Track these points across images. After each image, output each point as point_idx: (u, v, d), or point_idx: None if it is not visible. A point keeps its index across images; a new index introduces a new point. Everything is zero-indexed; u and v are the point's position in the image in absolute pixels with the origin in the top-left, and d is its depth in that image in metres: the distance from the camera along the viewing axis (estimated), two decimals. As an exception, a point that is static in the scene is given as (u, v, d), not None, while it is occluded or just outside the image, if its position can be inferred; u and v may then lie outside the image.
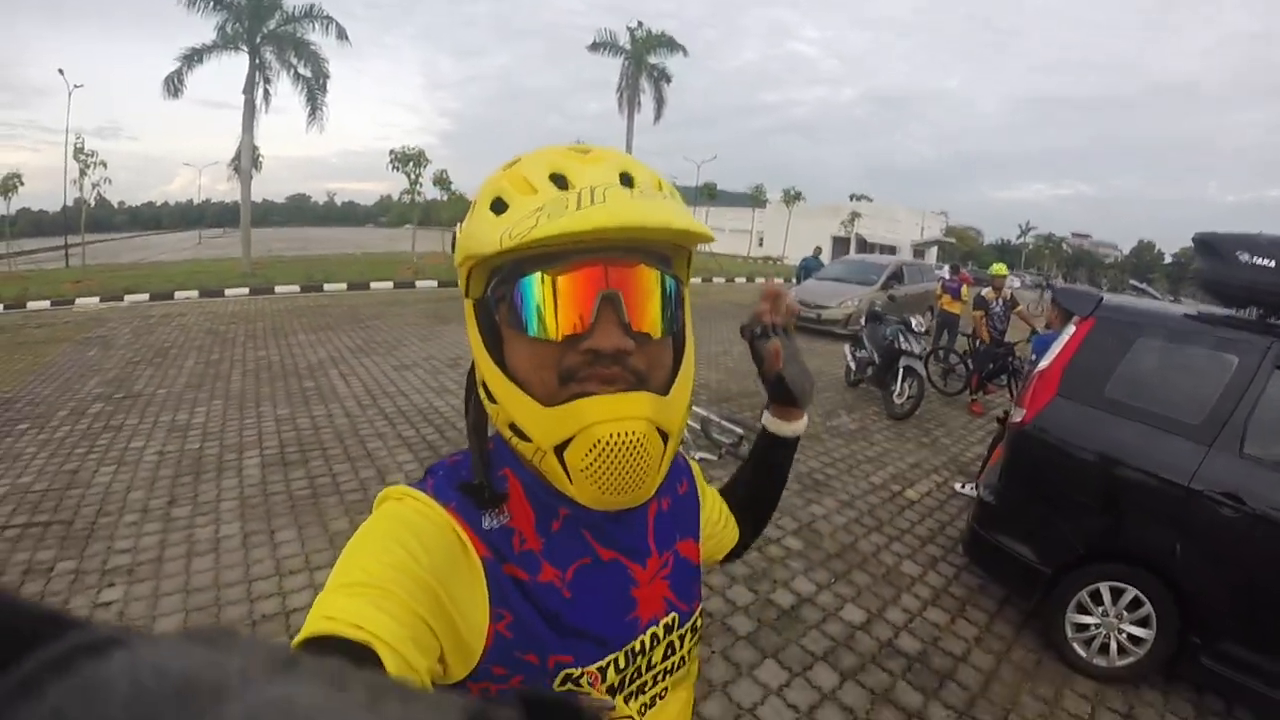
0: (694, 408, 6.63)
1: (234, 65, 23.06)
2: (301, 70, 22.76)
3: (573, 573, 0.76)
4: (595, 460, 0.66)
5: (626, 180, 0.69)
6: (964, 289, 10.51)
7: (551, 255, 0.66)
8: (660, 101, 33.78)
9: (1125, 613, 3.41)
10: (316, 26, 22.24)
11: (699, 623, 0.91)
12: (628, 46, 32.53)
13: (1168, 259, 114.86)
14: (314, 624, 0.58)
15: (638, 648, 0.81)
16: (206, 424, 6.61)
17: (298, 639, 0.58)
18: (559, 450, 0.68)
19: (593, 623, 0.77)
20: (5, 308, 14.41)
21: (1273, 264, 3.24)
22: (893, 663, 3.48)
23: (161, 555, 4.11)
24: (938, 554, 4.73)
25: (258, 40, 21.70)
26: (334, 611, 0.59)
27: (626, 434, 0.66)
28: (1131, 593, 3.38)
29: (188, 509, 4.73)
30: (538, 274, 0.67)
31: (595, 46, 32.62)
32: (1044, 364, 3.83)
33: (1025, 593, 3.82)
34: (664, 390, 0.72)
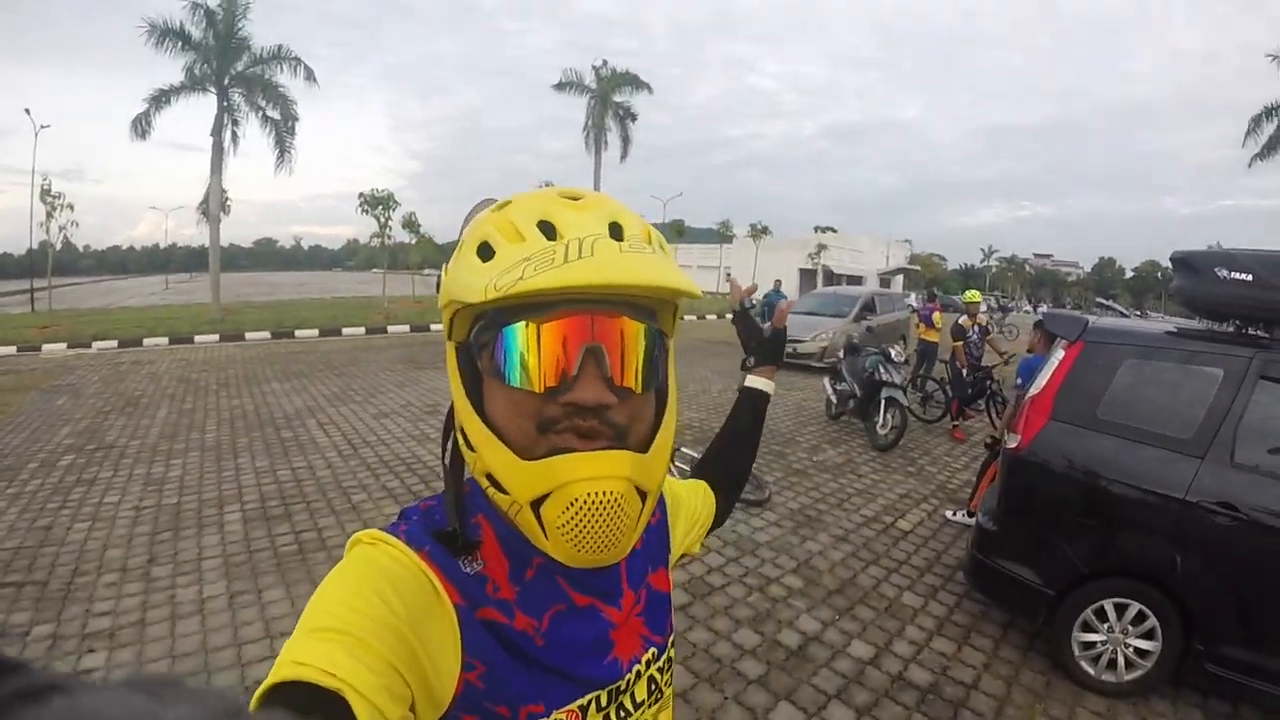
0: (681, 449, 6.64)
1: (201, 107, 23.06)
2: (270, 112, 22.80)
3: (548, 621, 0.75)
4: (572, 518, 0.65)
5: (616, 231, 0.68)
6: (936, 316, 10.68)
7: (536, 304, 0.66)
8: (626, 139, 34.37)
9: (1130, 627, 3.46)
10: (284, 68, 22.36)
11: (673, 652, 0.91)
12: (593, 85, 33.14)
13: (1129, 274, 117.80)
14: (283, 669, 0.57)
15: (622, 686, 0.80)
16: (183, 477, 6.44)
17: (266, 683, 0.57)
18: (535, 505, 0.67)
19: (570, 665, 0.75)
20: (-31, 355, 14.00)
21: (1250, 278, 3.38)
22: (906, 695, 3.47)
23: (144, 618, 3.96)
24: (937, 583, 4.74)
25: (225, 82, 21.75)
26: (305, 657, 0.58)
27: (604, 494, 0.65)
28: (1136, 607, 3.43)
29: (168, 568, 4.58)
30: (522, 323, 0.67)
31: (561, 86, 33.18)
32: (1035, 389, 3.90)
33: (1030, 615, 3.85)
34: (644, 446, 0.71)
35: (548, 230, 0.67)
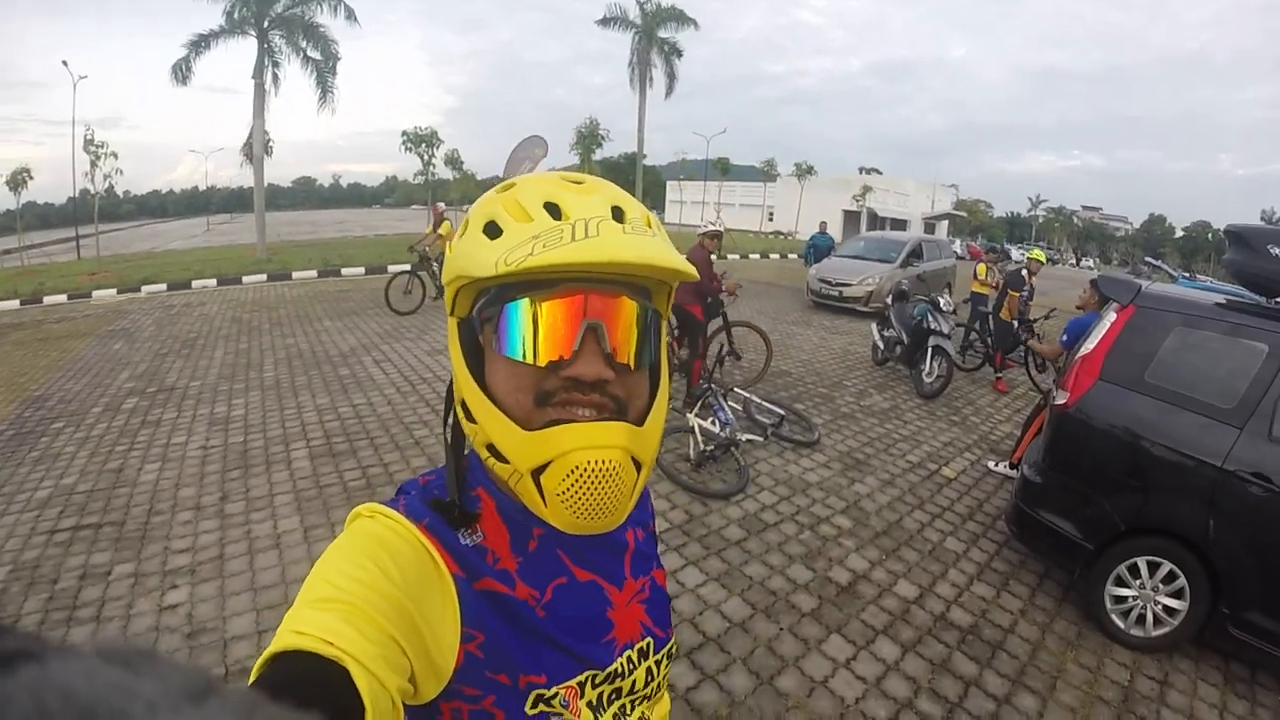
0: (735, 389, 6.91)
1: (241, 50, 22.88)
2: (311, 53, 22.57)
3: (551, 592, 0.77)
4: (571, 486, 0.68)
5: (618, 214, 0.71)
6: (980, 267, 10.64)
7: (539, 282, 0.69)
8: (671, 76, 33.49)
9: (1161, 585, 3.70)
10: (325, 8, 22.10)
11: (674, 649, 0.93)
12: (638, 21, 32.24)
13: (1179, 233, 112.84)
14: (283, 639, 0.58)
15: (617, 669, 0.82)
16: (247, 416, 6.65)
17: (266, 654, 0.57)
18: (535, 474, 0.69)
19: (569, 639, 0.77)
20: (22, 303, 14.50)
21: None
22: (948, 635, 3.77)
23: (222, 554, 4.12)
24: (978, 530, 5.01)
25: (265, 24, 21.59)
26: (304, 626, 0.59)
27: (602, 462, 0.68)
28: (1167, 566, 3.67)
29: (241, 504, 4.75)
30: (525, 299, 0.69)
31: (605, 21, 32.32)
32: (1086, 349, 4.09)
33: (1067, 567, 4.11)
34: (640, 420, 0.74)
35: (554, 211, 0.69)
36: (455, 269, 0.73)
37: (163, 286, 16.03)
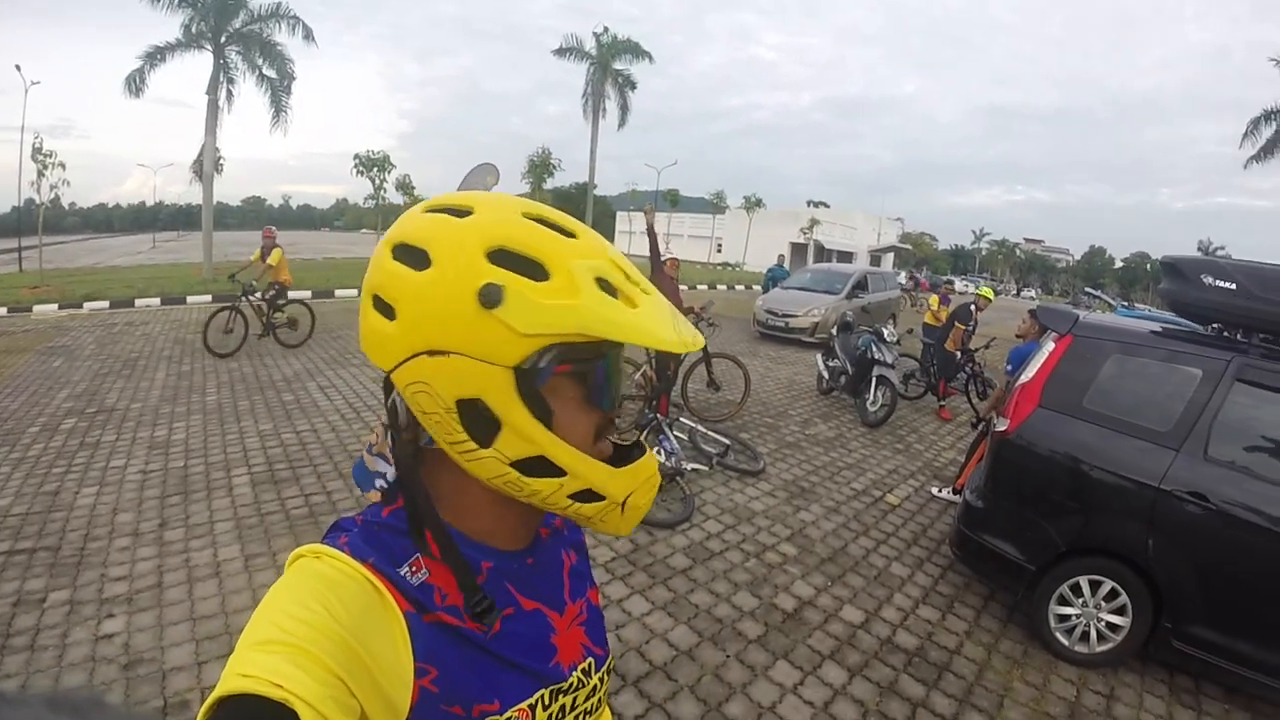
0: (681, 419, 6.90)
1: (195, 64, 22.57)
2: (266, 71, 22.29)
3: (498, 624, 0.77)
4: (646, 499, 0.79)
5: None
6: (934, 300, 10.85)
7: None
8: (625, 107, 33.98)
9: (1104, 603, 3.76)
10: (283, 26, 21.85)
11: (612, 665, 0.96)
12: (593, 52, 32.69)
13: (1118, 264, 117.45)
14: (229, 682, 0.57)
15: (564, 687, 0.83)
16: (188, 440, 6.44)
17: (211, 698, 0.56)
18: (625, 500, 0.76)
19: (519, 658, 0.78)
20: (-41, 315, 13.84)
21: (1234, 287, 3.65)
22: (894, 658, 3.76)
23: (160, 582, 3.97)
24: (923, 555, 5.04)
25: (223, 39, 21.27)
26: (250, 669, 0.58)
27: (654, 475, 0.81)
28: (1109, 584, 3.73)
29: (181, 531, 4.58)
30: (612, 354, 0.74)
31: (561, 51, 32.70)
32: (1026, 377, 4.16)
33: (1012, 587, 4.14)
34: None
35: (605, 285, 0.69)
36: (564, 324, 0.66)
37: (105, 304, 15.52)
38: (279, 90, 22.60)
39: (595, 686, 0.89)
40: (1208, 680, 3.74)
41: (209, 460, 5.97)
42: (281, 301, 11.12)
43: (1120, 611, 3.71)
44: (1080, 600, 3.81)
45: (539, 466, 0.71)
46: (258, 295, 10.74)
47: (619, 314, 0.68)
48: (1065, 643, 3.86)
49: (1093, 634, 3.79)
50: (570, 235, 0.71)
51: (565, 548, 0.93)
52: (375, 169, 26.68)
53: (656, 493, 0.82)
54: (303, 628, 0.62)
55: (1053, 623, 3.89)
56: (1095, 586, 3.77)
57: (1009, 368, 6.48)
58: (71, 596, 3.82)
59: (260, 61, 22.15)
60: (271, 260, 10.94)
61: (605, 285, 0.68)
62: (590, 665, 0.88)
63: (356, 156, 26.80)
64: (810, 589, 4.41)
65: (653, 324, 0.69)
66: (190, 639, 3.49)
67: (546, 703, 0.80)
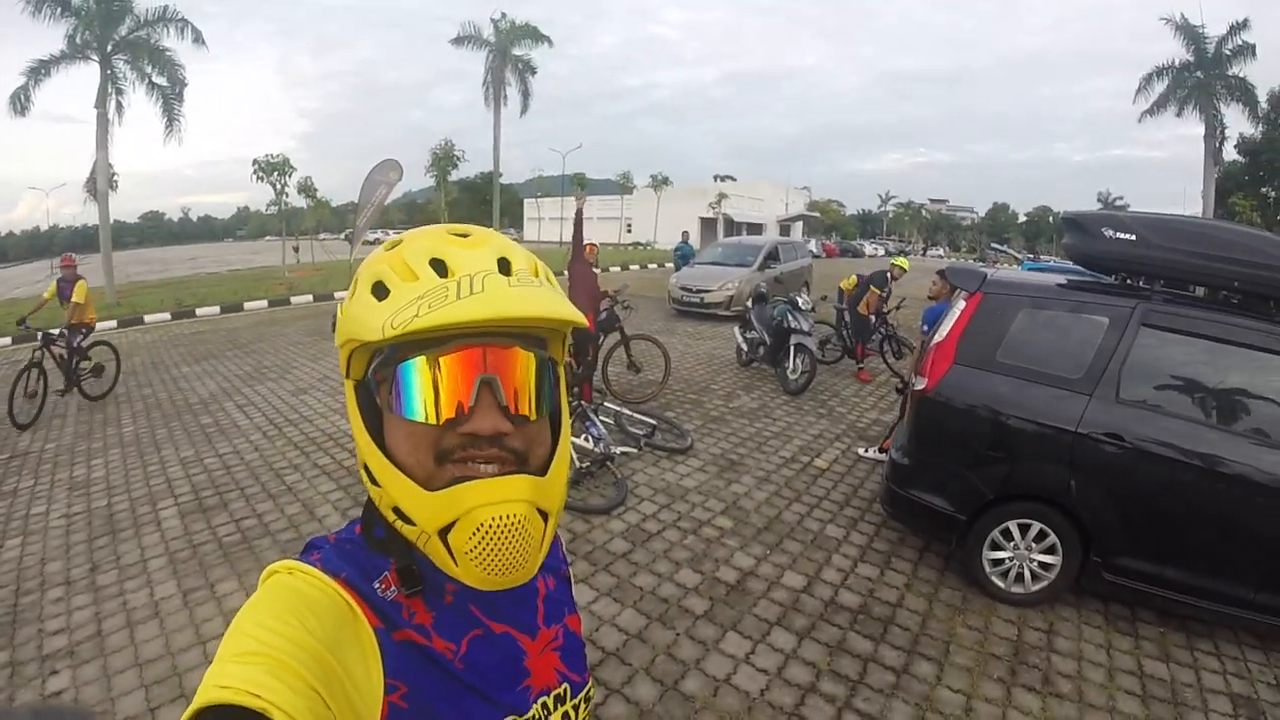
0: (605, 404, 6.88)
1: (82, 77, 21.06)
2: (156, 79, 20.96)
3: (466, 645, 0.77)
4: (479, 543, 0.67)
5: (504, 266, 0.71)
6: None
7: (431, 340, 0.68)
8: (526, 93, 33.61)
9: (1034, 544, 3.94)
10: (171, 30, 20.56)
11: (591, 693, 0.93)
12: (492, 39, 32.16)
13: (1022, 218, 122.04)
14: (207, 694, 0.57)
15: (534, 713, 0.82)
16: (108, 477, 6.11)
17: (189, 710, 0.57)
18: (443, 534, 0.68)
19: (489, 687, 0.77)
20: None
21: (1134, 238, 3.85)
22: (839, 617, 3.85)
23: (100, 630, 3.78)
24: (855, 515, 5.17)
25: (109, 49, 19.90)
26: (228, 680, 0.58)
27: (508, 516, 0.67)
28: (1037, 526, 3.90)
29: (114, 574, 4.38)
30: (419, 358, 0.69)
31: (459, 40, 32.12)
32: (939, 336, 4.28)
33: (943, 538, 4.31)
34: (542, 470, 0.73)
35: (439, 268, 0.69)
36: (346, 332, 0.73)
37: (7, 340, 14.11)
38: (171, 98, 21.25)
39: (569, 713, 0.87)
40: (1141, 607, 3.97)
41: (133, 495, 5.67)
42: (88, 345, 8.98)
43: (1051, 551, 3.89)
44: (1011, 544, 3.98)
45: (369, 473, 0.74)
46: (62, 342, 8.63)
47: (366, 312, 0.69)
48: (1001, 585, 4.03)
49: (1027, 575, 3.97)
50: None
51: (542, 573, 0.90)
52: (275, 173, 25.55)
53: (515, 548, 0.68)
54: (279, 640, 0.63)
55: (987, 568, 4.05)
56: (1024, 530, 3.94)
57: (924, 328, 6.68)
58: (11, 657, 3.62)
59: (149, 69, 20.78)
60: (77, 297, 8.68)
61: (378, 288, 0.70)
62: (565, 691, 0.87)
63: (255, 161, 25.60)
64: (750, 559, 4.48)
65: (371, 316, 0.68)
66: (139, 685, 3.35)
67: None
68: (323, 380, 9.38)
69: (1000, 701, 3.23)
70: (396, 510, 0.71)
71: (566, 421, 0.82)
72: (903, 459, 4.37)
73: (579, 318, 0.70)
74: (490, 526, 0.67)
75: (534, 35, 32.42)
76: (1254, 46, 26.26)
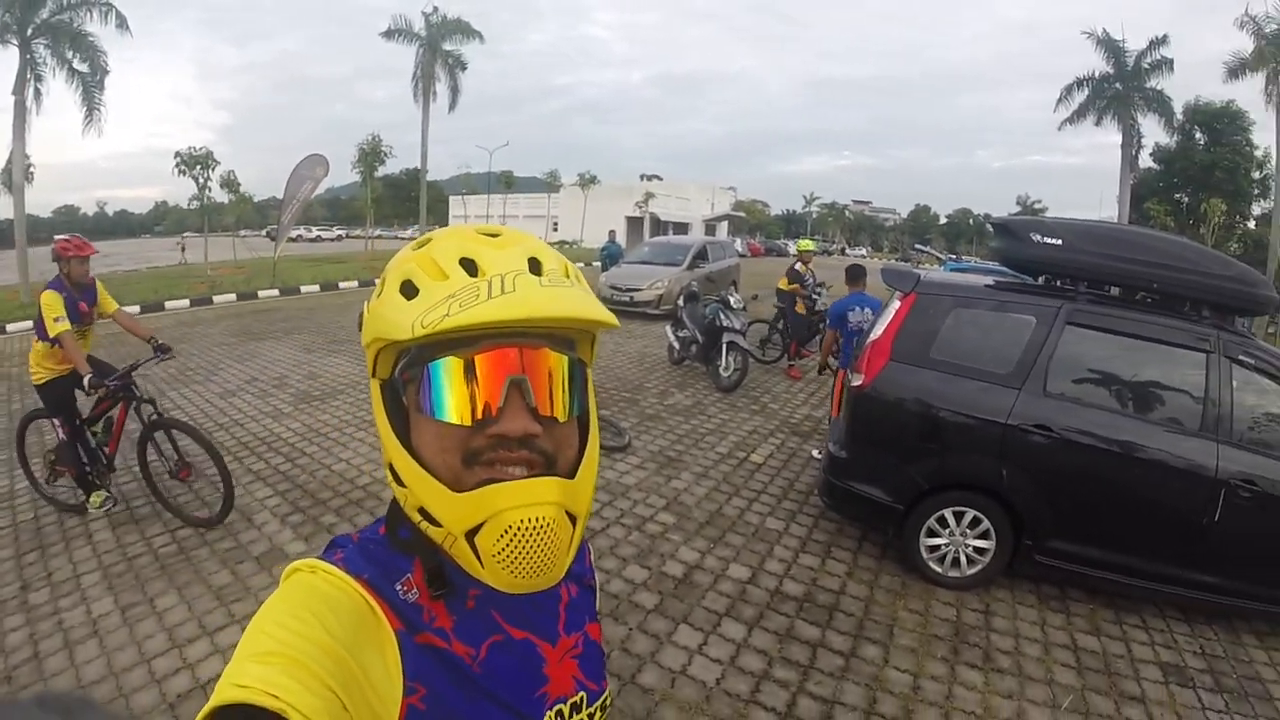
0: None
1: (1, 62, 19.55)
2: (78, 65, 19.56)
3: (485, 650, 0.76)
4: (507, 546, 0.66)
5: (535, 266, 0.70)
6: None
7: (460, 340, 0.67)
8: (455, 89, 32.95)
9: (969, 531, 4.16)
10: (94, 14, 19.19)
11: (609, 701, 0.92)
12: (423, 33, 31.46)
13: (943, 220, 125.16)
14: (225, 692, 0.57)
15: None
16: (33, 488, 5.49)
17: (207, 707, 0.57)
18: (469, 536, 0.67)
19: (506, 694, 0.77)
20: None
21: (1060, 242, 4.12)
22: (785, 606, 3.98)
23: (37, 653, 3.55)
24: (794, 508, 5.33)
25: (29, 32, 18.48)
26: (246, 680, 0.58)
27: (537, 519, 0.66)
28: (971, 514, 4.13)
29: (45, 592, 4.10)
30: (447, 358, 0.68)
31: (389, 33, 31.30)
32: (875, 335, 4.47)
33: (881, 527, 4.53)
34: (571, 473, 0.72)
35: (470, 267, 0.69)
36: (374, 331, 0.72)
37: None
38: (91, 86, 19.83)
39: None
40: (1071, 586, 4.27)
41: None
42: None
43: (984, 536, 4.12)
44: (947, 531, 4.19)
45: (394, 473, 0.74)
46: None
47: (393, 311, 0.69)
48: (939, 570, 4.24)
49: (962, 559, 4.19)
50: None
51: (565, 581, 0.88)
52: (199, 166, 24.42)
53: (543, 551, 0.67)
54: (298, 640, 0.62)
55: (925, 554, 4.25)
56: (959, 517, 4.16)
57: (823, 325, 7.00)
58: (-58, 688, 3.39)
59: (70, 55, 19.39)
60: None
61: (406, 287, 0.70)
62: (582, 699, 0.86)
63: (178, 154, 24.32)
64: (695, 553, 4.56)
65: (400, 315, 0.68)
66: (85, 710, 3.15)
67: None
68: (251, 382, 9.01)
69: (945, 679, 3.42)
70: (423, 511, 0.71)
71: (595, 423, 0.80)
72: (840, 452, 4.54)
73: (610, 319, 0.69)
74: (519, 529, 0.66)
75: (465, 30, 31.89)
76: (1172, 61, 27.91)
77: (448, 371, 0.68)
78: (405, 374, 0.72)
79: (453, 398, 0.68)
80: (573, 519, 0.71)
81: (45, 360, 4.88)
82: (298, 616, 0.65)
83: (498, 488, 0.67)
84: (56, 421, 5.02)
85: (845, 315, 6.67)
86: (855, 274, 7.23)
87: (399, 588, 0.74)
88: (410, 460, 0.71)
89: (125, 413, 5.11)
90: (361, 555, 0.76)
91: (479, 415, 0.68)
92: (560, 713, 0.83)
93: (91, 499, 5.06)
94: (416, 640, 0.71)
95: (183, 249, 31.12)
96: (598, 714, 0.89)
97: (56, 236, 5.16)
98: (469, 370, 0.68)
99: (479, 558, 0.68)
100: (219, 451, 5.00)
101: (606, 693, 0.91)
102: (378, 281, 0.75)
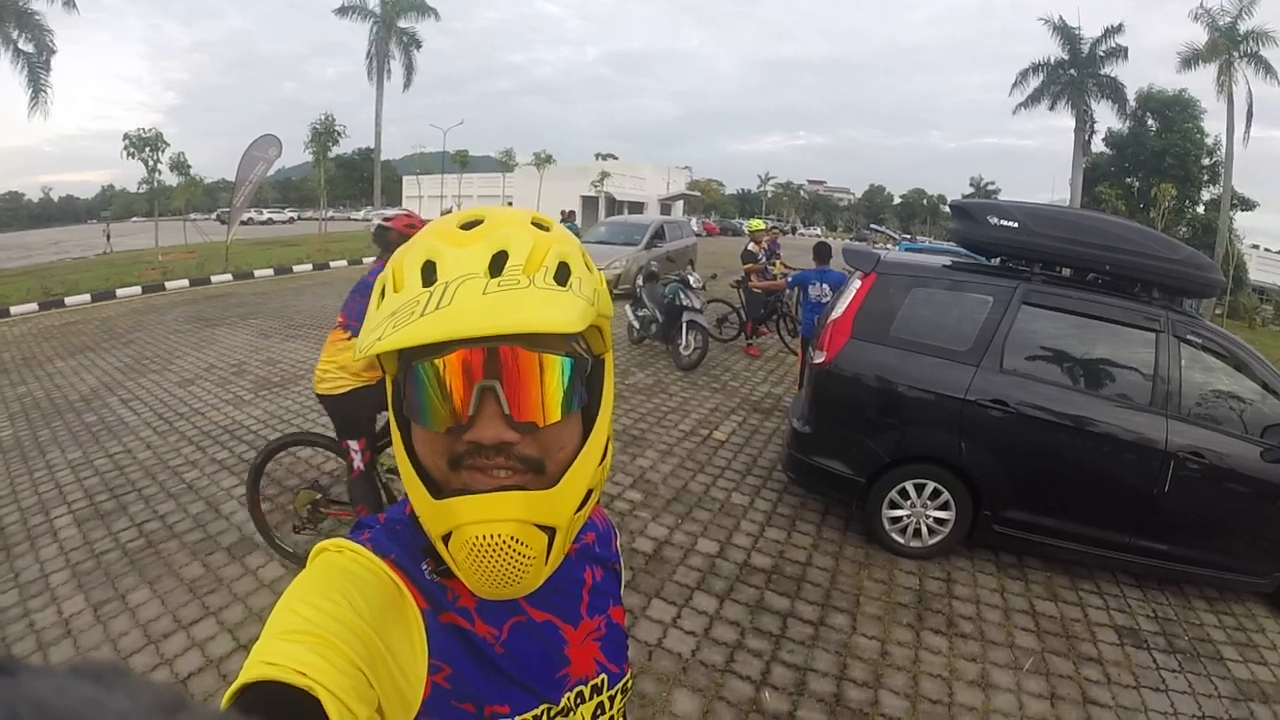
0: None
1: None
2: (23, 45, 18.83)
3: (508, 630, 0.77)
4: (469, 557, 0.67)
5: (497, 264, 0.66)
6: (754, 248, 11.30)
7: (434, 345, 0.64)
8: (410, 68, 32.42)
9: (929, 502, 4.33)
10: None
11: (629, 684, 0.93)
12: (377, 10, 30.83)
13: (897, 200, 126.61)
14: (254, 669, 0.58)
15: (566, 703, 0.82)
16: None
17: (236, 684, 0.57)
18: (444, 540, 0.69)
19: (527, 675, 0.78)
20: None
21: (1016, 225, 4.27)
22: (754, 578, 4.10)
23: (10, 656, 3.54)
24: (758, 483, 5.46)
25: None
26: (275, 657, 0.59)
27: (492, 537, 0.66)
28: (931, 486, 4.30)
29: (14, 594, 3.99)
30: (424, 364, 0.66)
31: (343, 10, 30.58)
32: (837, 313, 4.59)
33: (845, 500, 4.67)
34: (555, 479, 0.70)
35: (428, 273, 0.66)
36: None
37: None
38: (37, 66, 19.08)
39: (604, 704, 0.88)
40: (1028, 555, 4.49)
41: (22, 505, 5.14)
42: None
43: (944, 507, 4.30)
44: (908, 502, 4.36)
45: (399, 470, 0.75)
46: None
47: (369, 318, 0.69)
48: (901, 541, 4.41)
49: (924, 530, 4.36)
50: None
51: (590, 564, 0.90)
52: (148, 149, 23.58)
53: (504, 566, 0.67)
54: (326, 619, 0.63)
55: (887, 525, 4.42)
56: (920, 489, 4.33)
57: (789, 279, 7.68)
58: (-86, 699, 3.25)
59: (15, 35, 18.58)
60: None
61: (383, 291, 0.69)
62: (603, 681, 0.87)
63: (127, 136, 23.43)
64: (663, 529, 4.66)
65: (366, 325, 0.67)
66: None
67: (552, 715, 0.81)
68: (209, 370, 8.80)
69: (911, 644, 3.59)
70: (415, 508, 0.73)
71: (603, 419, 0.77)
72: (804, 427, 4.65)
73: (557, 326, 0.63)
74: (477, 544, 0.66)
75: (420, 8, 31.28)
76: (1126, 49, 28.77)
77: (425, 377, 0.67)
78: (398, 377, 0.72)
79: (428, 403, 0.67)
80: (549, 530, 0.69)
81: (352, 364, 3.88)
82: (326, 595, 0.66)
83: (461, 500, 0.67)
84: (356, 445, 4.01)
85: (806, 284, 7.08)
86: (822, 252, 7.52)
87: (424, 567, 0.74)
88: (405, 460, 0.72)
89: None
90: (388, 536, 0.76)
91: (450, 423, 0.67)
92: (581, 694, 0.84)
93: None
94: (441, 620, 0.73)
95: (108, 236, 29.93)
96: (618, 696, 0.90)
97: (384, 213, 4.18)
98: (438, 377, 0.66)
99: (454, 561, 0.69)
100: None
101: (627, 675, 0.92)
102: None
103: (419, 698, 0.68)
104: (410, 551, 0.75)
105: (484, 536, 0.66)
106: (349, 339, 3.80)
